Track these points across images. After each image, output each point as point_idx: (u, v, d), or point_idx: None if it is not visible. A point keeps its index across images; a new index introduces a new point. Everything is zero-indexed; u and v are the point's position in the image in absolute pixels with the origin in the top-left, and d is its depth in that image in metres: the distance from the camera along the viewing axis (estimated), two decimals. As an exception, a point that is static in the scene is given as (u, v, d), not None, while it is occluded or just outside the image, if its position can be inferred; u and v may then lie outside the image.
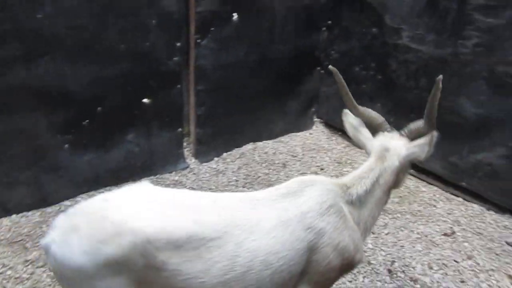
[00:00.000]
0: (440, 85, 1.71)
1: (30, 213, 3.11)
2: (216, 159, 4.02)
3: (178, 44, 3.40)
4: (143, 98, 3.39)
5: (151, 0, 3.15)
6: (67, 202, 3.26)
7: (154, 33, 3.25)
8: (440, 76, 1.72)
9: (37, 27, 2.76)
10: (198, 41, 3.51)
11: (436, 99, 1.75)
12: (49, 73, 2.90)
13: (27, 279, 2.56)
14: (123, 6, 3.05)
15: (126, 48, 3.16)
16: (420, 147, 1.80)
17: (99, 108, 3.20)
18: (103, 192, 3.37)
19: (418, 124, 1.86)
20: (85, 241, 1.35)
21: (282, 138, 4.52)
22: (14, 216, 3.06)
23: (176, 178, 3.69)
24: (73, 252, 1.34)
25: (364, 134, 1.92)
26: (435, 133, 1.80)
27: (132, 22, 3.12)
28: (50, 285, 2.53)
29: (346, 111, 1.96)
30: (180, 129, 3.71)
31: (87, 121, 3.18)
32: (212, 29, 3.55)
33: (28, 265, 2.66)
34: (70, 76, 2.99)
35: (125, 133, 3.41)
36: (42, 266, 2.66)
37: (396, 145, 1.84)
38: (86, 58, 3.02)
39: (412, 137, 1.87)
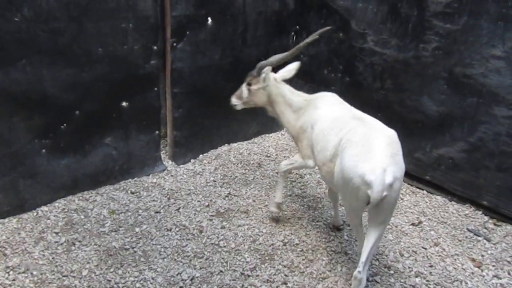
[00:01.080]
0: (317, 35, 2.93)
1: (6, 220, 3.04)
2: (192, 160, 4.08)
3: (155, 47, 3.44)
4: (121, 102, 3.40)
5: (128, 4, 3.18)
6: (44, 208, 3.20)
7: (131, 37, 3.28)
8: (328, 28, 3.19)
9: (14, 31, 2.73)
10: (174, 44, 3.57)
11: (310, 42, 2.96)
12: (26, 77, 2.86)
13: (10, 285, 2.53)
14: (101, 10, 3.06)
15: (104, 51, 3.17)
16: (289, 72, 3.11)
17: (77, 112, 3.18)
18: (81, 196, 3.39)
19: (278, 57, 2.95)
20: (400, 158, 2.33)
21: (255, 139, 4.64)
22: (-10, 223, 2.99)
23: (154, 180, 3.72)
24: (401, 167, 2.29)
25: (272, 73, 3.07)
26: (298, 62, 3.13)
27: (109, 26, 3.14)
28: (33, 290, 2.52)
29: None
30: (157, 132, 3.74)
31: (64, 125, 3.15)
32: (187, 33, 3.61)
33: (9, 271, 2.62)
34: (47, 80, 2.96)
35: (103, 137, 3.41)
36: (23, 272, 2.62)
37: (275, 75, 3.08)
38: (63, 61, 3.00)
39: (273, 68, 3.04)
